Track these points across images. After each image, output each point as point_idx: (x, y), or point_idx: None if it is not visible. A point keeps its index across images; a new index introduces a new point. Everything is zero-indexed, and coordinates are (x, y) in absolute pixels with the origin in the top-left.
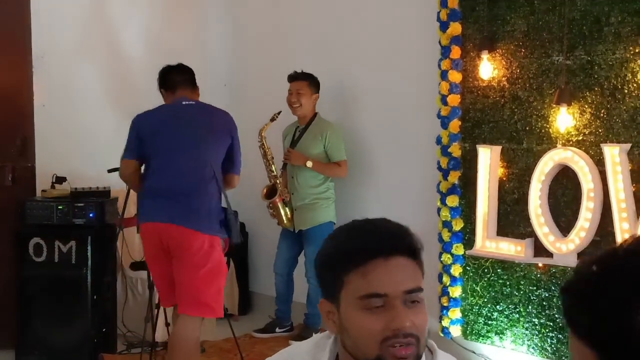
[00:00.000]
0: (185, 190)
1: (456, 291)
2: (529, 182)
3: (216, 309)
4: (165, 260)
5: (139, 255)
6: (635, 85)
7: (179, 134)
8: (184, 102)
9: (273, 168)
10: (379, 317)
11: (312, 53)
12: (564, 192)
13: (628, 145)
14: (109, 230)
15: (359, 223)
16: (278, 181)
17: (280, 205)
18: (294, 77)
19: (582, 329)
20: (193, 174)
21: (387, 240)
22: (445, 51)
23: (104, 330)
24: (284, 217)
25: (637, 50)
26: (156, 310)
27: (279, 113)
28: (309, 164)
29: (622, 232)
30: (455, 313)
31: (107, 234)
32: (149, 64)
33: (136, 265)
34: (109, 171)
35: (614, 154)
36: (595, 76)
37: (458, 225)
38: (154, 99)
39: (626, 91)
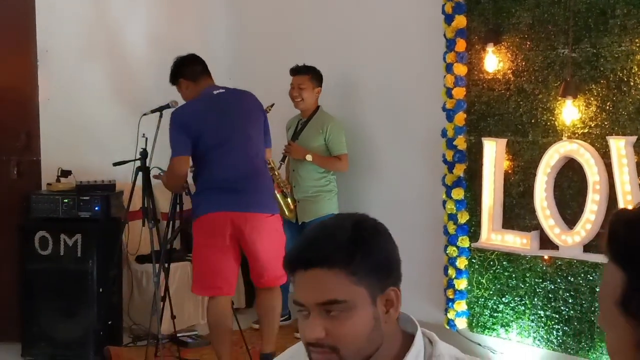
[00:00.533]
0: (248, 177)
1: (462, 284)
2: (534, 175)
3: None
4: (235, 247)
5: (144, 249)
6: None
7: (225, 124)
8: (215, 92)
9: (270, 160)
10: (302, 324)
11: (317, 47)
12: (570, 185)
13: (634, 138)
14: (114, 223)
15: (315, 225)
16: (276, 173)
17: (279, 197)
18: (296, 71)
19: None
20: (250, 160)
21: (305, 250)
22: (450, 44)
23: (109, 323)
24: (285, 209)
25: None
26: (162, 303)
27: (272, 105)
28: (309, 157)
29: None
30: (461, 305)
31: (113, 227)
32: (153, 59)
33: (142, 259)
34: (115, 165)
35: (619, 147)
36: (601, 69)
37: (463, 217)
38: (158, 94)
39: (632, 83)
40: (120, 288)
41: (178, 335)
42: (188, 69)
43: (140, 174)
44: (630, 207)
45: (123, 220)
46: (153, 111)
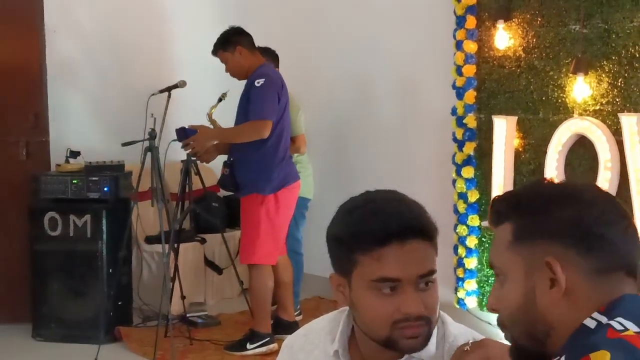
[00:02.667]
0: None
1: (472, 262)
2: (545, 153)
3: None
4: None
5: (153, 229)
6: None
7: (288, 99)
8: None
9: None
10: (391, 301)
11: (327, 27)
12: (581, 163)
13: None
14: (123, 204)
15: (374, 200)
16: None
17: None
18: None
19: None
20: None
21: (404, 223)
22: (460, 21)
23: (119, 303)
24: None
25: None
26: (171, 284)
27: (225, 93)
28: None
29: None
30: (471, 284)
31: (122, 208)
32: (161, 37)
33: (151, 239)
34: (124, 145)
35: (631, 123)
36: (613, 45)
37: (473, 196)
38: (166, 73)
39: None
40: (130, 269)
41: (188, 315)
42: (246, 38)
43: (149, 154)
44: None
45: (132, 201)
46: (161, 91)
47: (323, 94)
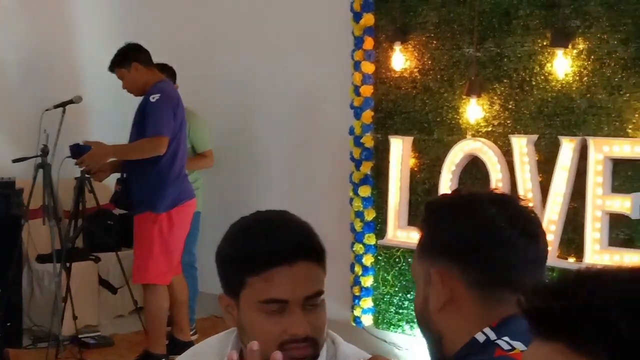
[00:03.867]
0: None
1: (368, 281)
2: (439, 173)
3: None
4: None
5: (44, 248)
6: (542, 77)
7: (182, 117)
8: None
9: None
10: (279, 322)
11: (222, 44)
12: (474, 182)
13: (535, 137)
14: (14, 221)
15: (263, 221)
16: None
17: None
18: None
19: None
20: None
21: (292, 245)
22: (358, 42)
23: (8, 324)
24: None
25: (544, 43)
26: (63, 304)
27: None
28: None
29: None
30: (367, 302)
31: (12, 226)
32: (59, 52)
33: (42, 258)
34: (14, 161)
35: (521, 145)
36: (505, 68)
37: (370, 215)
38: (63, 88)
39: (534, 83)
40: (20, 288)
41: (80, 336)
42: (142, 55)
43: (40, 170)
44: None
45: (23, 219)
46: (56, 106)
47: (220, 111)
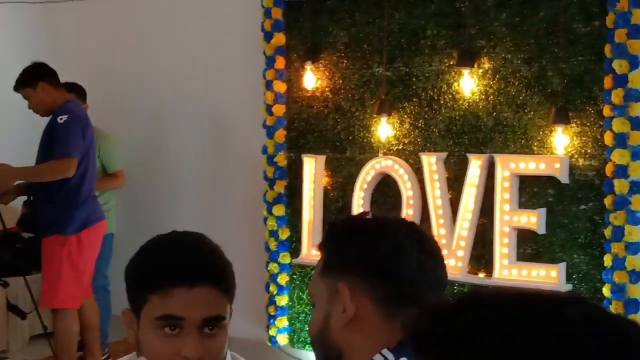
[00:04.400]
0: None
1: (283, 300)
2: (352, 191)
3: None
4: None
5: None
6: (450, 96)
7: (91, 139)
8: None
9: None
10: (173, 342)
11: (133, 63)
12: (385, 200)
13: (444, 154)
14: None
15: (171, 241)
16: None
17: None
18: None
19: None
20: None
21: (195, 267)
22: (269, 61)
23: None
24: None
25: (451, 63)
26: None
27: None
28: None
29: (440, 237)
30: (283, 322)
31: None
32: None
33: None
34: None
35: (431, 162)
36: (414, 87)
37: (284, 234)
38: None
39: (442, 102)
40: None
41: None
42: (50, 74)
43: None
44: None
45: None
46: None
47: (133, 131)
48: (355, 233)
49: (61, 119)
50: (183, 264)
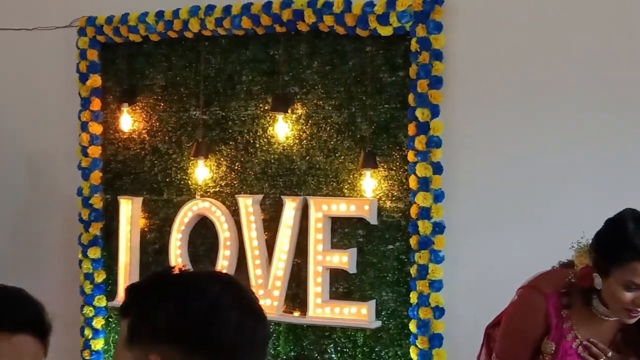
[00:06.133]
0: None
1: (99, 344)
2: (169, 233)
3: None
4: None
5: None
6: (265, 140)
7: None
8: None
9: None
10: None
11: None
12: (203, 241)
13: (260, 196)
14: None
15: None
16: None
17: None
18: None
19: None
20: None
21: (18, 317)
22: (85, 103)
23: None
24: None
25: (266, 108)
26: None
27: None
28: None
29: (256, 277)
30: None
31: None
32: None
33: None
34: None
35: (247, 204)
36: (230, 131)
37: (100, 276)
38: None
39: (258, 145)
40: None
41: None
42: None
43: None
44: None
45: None
46: None
47: None
48: (163, 294)
49: None
50: (5, 314)
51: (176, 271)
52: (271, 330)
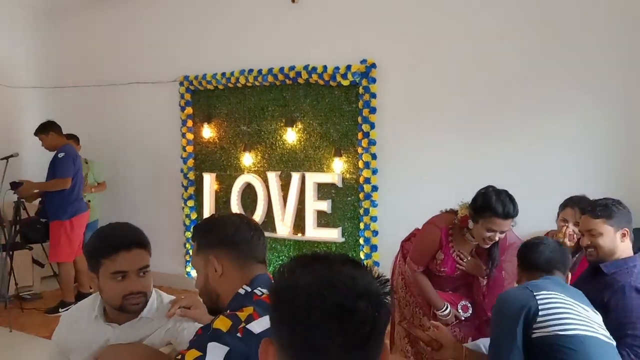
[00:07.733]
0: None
1: None
2: (231, 193)
3: None
4: None
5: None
6: (281, 142)
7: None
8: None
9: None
10: (122, 284)
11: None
12: (249, 197)
13: (279, 172)
14: None
15: (114, 226)
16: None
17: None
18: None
19: None
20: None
21: (129, 238)
22: (183, 122)
23: None
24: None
25: (281, 124)
26: (9, 275)
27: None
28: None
29: (277, 216)
30: None
31: None
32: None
33: None
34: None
35: (272, 177)
36: (262, 137)
37: (193, 216)
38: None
39: (277, 145)
40: None
41: (20, 294)
42: (56, 127)
43: None
44: None
45: None
46: (1, 159)
47: (106, 156)
48: (211, 226)
49: (60, 154)
50: (120, 237)
51: (221, 214)
52: (265, 237)
